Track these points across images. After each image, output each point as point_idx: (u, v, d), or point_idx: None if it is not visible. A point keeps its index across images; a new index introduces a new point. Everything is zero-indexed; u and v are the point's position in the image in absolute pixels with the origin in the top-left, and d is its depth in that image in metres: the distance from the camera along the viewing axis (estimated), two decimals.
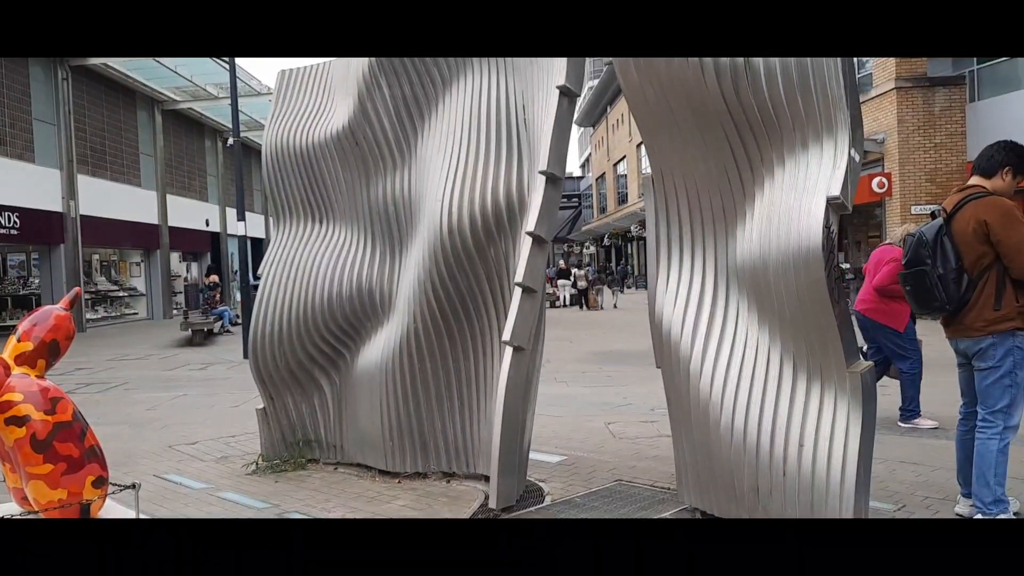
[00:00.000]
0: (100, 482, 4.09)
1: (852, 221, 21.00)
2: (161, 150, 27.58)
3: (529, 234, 4.77)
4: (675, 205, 4.47)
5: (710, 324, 4.27)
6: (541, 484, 5.39)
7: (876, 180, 18.83)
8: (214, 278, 21.11)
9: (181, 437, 7.27)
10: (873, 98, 19.26)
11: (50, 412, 3.96)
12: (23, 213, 19.72)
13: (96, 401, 9.58)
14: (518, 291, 4.76)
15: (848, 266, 19.67)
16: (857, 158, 3.87)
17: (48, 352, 4.16)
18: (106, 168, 24.40)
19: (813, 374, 3.88)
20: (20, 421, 3.89)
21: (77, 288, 4.48)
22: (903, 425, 6.89)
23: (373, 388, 5.63)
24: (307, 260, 6.03)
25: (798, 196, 3.74)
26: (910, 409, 6.93)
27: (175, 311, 26.65)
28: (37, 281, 21.72)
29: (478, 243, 5.14)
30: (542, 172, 4.75)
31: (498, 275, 5.22)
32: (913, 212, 18.23)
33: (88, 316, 22.76)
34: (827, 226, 3.60)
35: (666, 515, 4.61)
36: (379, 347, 5.65)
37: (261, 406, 6.17)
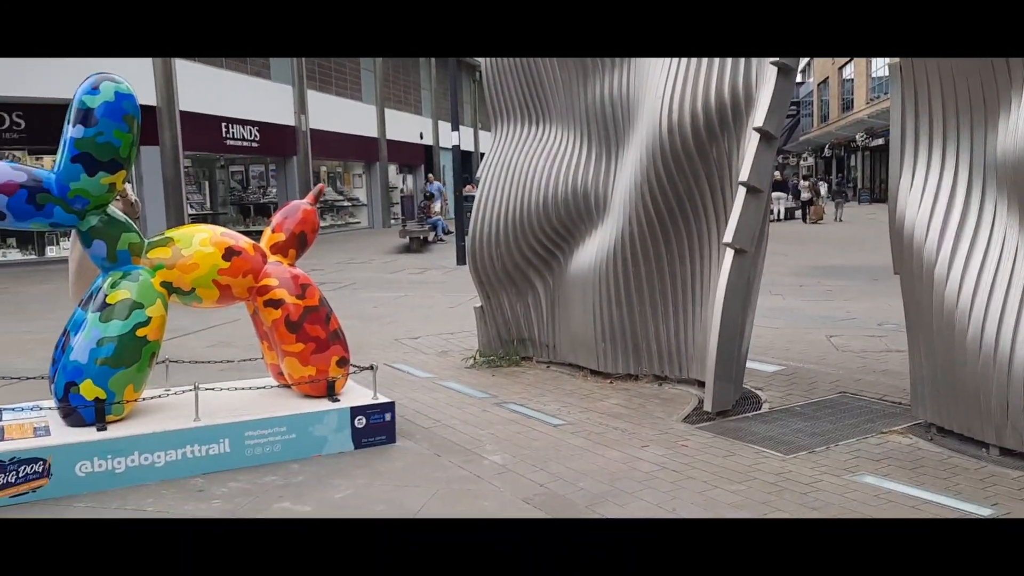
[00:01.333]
0: (343, 362, 4.48)
1: None
2: (380, 65, 28.79)
3: (757, 130, 4.53)
4: (926, 94, 4.05)
5: (961, 225, 3.89)
6: (758, 392, 5.26)
7: None
8: (431, 178, 22.42)
9: (405, 332, 7.77)
10: None
11: (300, 297, 4.36)
12: (262, 127, 21.47)
13: (330, 297, 10.33)
14: (742, 191, 4.57)
15: None
16: None
17: (297, 243, 4.55)
18: (331, 84, 25.90)
19: None
20: (276, 304, 4.31)
21: (321, 184, 4.84)
22: None
23: (586, 290, 5.68)
24: (524, 162, 6.11)
25: None
26: None
27: (392, 221, 28.21)
28: (274, 191, 23.71)
29: (699, 142, 4.95)
30: (773, 62, 4.46)
31: (719, 175, 5.03)
32: None
33: None
34: None
35: (897, 428, 4.35)
36: (593, 249, 5.67)
37: (479, 305, 6.42)
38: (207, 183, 21.18)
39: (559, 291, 6.07)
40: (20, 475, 3.49)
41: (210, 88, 19.03)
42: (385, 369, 6.09)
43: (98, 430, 3.75)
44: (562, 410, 4.94)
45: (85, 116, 3.77)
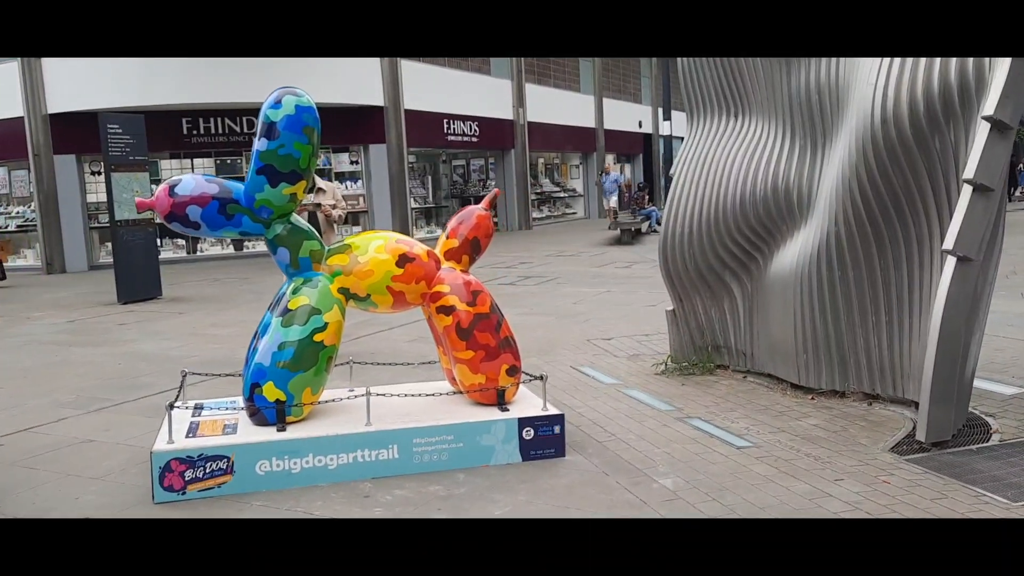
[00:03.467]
0: (513, 371, 4.38)
1: None
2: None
3: (987, 119, 3.87)
4: None
5: None
6: (988, 419, 4.54)
7: None
8: (607, 169, 21.97)
9: (599, 332, 7.59)
10: None
11: (471, 304, 4.31)
12: (481, 122, 22.13)
13: (532, 293, 10.47)
14: (967, 189, 3.93)
15: None
16: None
17: (471, 249, 4.51)
18: (549, 76, 26.17)
19: None
20: (448, 310, 4.30)
21: (496, 189, 4.76)
22: None
23: (787, 296, 5.20)
24: (720, 157, 5.70)
25: None
26: None
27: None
28: (493, 183, 24.38)
29: (918, 132, 4.33)
30: None
31: (943, 170, 4.37)
32: None
33: (534, 215, 25.04)
34: None
35: None
36: (795, 251, 5.17)
37: (671, 307, 6.11)
38: (430, 178, 22.17)
39: (758, 296, 5.61)
40: (207, 471, 3.72)
41: (433, 86, 19.85)
42: (568, 375, 5.96)
43: (278, 431, 3.93)
44: (751, 429, 4.54)
45: (268, 129, 3.95)
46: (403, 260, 4.22)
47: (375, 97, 18.27)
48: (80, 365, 6.91)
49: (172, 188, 3.95)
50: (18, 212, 17.28)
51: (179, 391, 4.33)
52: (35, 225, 16.46)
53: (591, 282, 11.33)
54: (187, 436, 3.89)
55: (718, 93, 5.84)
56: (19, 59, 15.99)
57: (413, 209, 19.90)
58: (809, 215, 5.16)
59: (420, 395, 4.30)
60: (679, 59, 6.04)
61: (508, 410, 4.23)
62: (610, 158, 30.68)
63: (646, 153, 33.49)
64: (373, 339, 7.40)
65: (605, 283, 11.18)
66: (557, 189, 27.85)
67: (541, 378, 4.31)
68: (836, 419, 4.66)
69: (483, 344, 4.26)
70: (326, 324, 4.04)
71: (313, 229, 4.27)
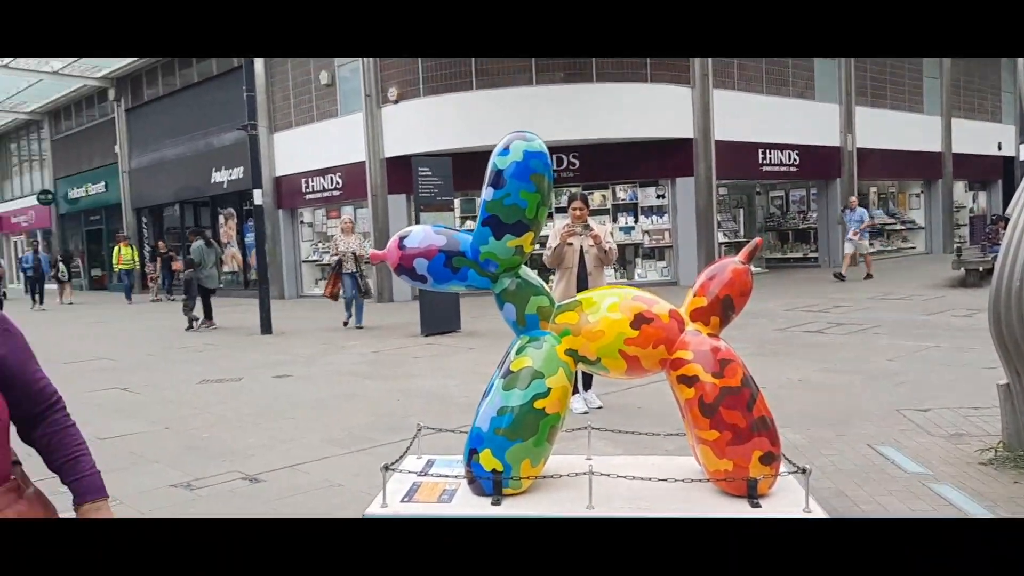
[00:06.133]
0: (768, 458, 3.65)
1: None
2: (948, 71, 25.49)
3: None
4: None
5: None
6: None
7: None
8: (852, 203, 18.42)
9: (913, 399, 6.37)
10: None
11: (718, 375, 3.67)
12: (802, 150, 20.59)
13: (839, 344, 9.24)
14: None
15: None
16: None
17: (722, 309, 3.86)
18: (885, 97, 23.72)
19: None
20: (690, 381, 3.69)
21: (758, 239, 4.05)
22: None
23: None
24: None
25: None
26: None
27: (956, 243, 24.64)
28: (815, 215, 22.57)
29: None
30: None
31: None
32: None
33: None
34: None
35: None
36: None
37: (1004, 381, 4.87)
38: (742, 210, 21.08)
39: None
40: None
41: (747, 115, 18.89)
42: (864, 454, 4.98)
43: (493, 503, 3.61)
44: None
45: (496, 178, 3.67)
46: (639, 321, 3.70)
47: (683, 129, 17.78)
48: (364, 399, 7.26)
49: (402, 240, 3.83)
50: (366, 245, 19.36)
51: (409, 447, 4.21)
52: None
53: (916, 333, 9.74)
54: (404, 499, 3.72)
55: None
56: (364, 109, 17.95)
57: (721, 244, 19.01)
58: None
59: (651, 479, 3.73)
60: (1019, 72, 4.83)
61: (760, 506, 3.50)
62: (960, 185, 27.03)
63: (1006, 179, 28.99)
64: (641, 391, 6.90)
65: (934, 335, 9.54)
66: (892, 221, 25.06)
67: (804, 471, 3.52)
68: None
69: (731, 424, 3.59)
70: (549, 390, 3.65)
71: (543, 284, 3.92)
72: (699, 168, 17.91)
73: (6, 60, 25.05)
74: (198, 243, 14.94)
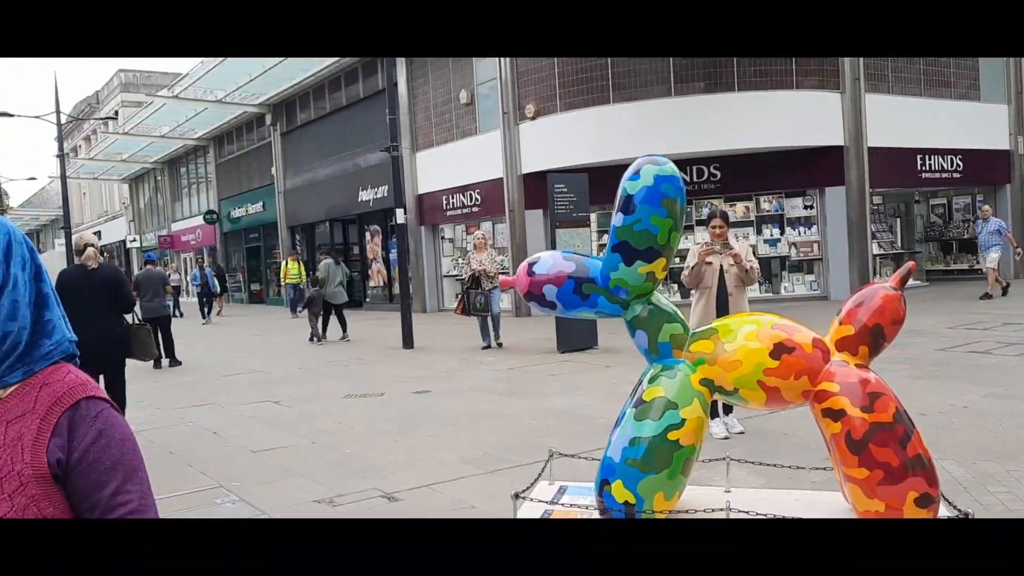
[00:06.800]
0: (926, 500, 3.37)
1: None
2: None
3: None
4: None
5: None
6: None
7: None
8: (986, 212, 16.41)
9: None
10: None
11: (867, 409, 3.43)
12: (965, 155, 19.20)
13: (1010, 367, 8.48)
14: None
15: None
16: None
17: (871, 338, 3.61)
18: None
19: None
20: (836, 415, 3.48)
21: (910, 263, 3.75)
22: None
23: None
24: None
25: None
26: None
27: None
28: (981, 222, 20.93)
29: None
30: None
31: None
32: None
33: None
34: None
35: None
36: None
37: None
38: (898, 220, 19.85)
39: None
40: None
41: (902, 119, 17.80)
42: None
43: None
44: None
45: (626, 203, 3.59)
46: (779, 350, 3.51)
47: (833, 136, 16.96)
48: (500, 417, 7.31)
49: (531, 266, 3.81)
50: (499, 260, 19.61)
51: (540, 473, 4.17)
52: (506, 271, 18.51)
53: None
54: None
55: None
56: (502, 127, 18.22)
57: (877, 255, 17.96)
58: None
59: (795, 518, 3.52)
60: None
61: None
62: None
63: None
64: (788, 416, 6.56)
65: None
66: None
67: (966, 516, 3.23)
68: None
69: (882, 462, 3.34)
70: (683, 421, 3.52)
71: (676, 311, 3.80)
72: (850, 176, 17.03)
73: (177, 90, 27.20)
74: (326, 261, 15.94)
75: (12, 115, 27.01)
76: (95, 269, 6.81)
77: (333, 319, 15.53)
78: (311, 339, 15.39)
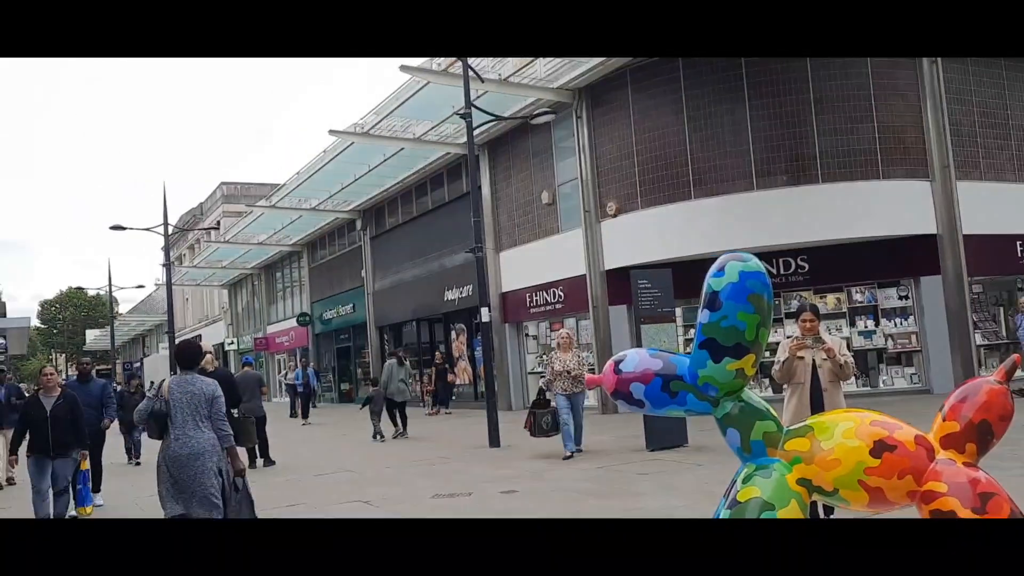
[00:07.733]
0: None
1: None
2: None
3: None
4: None
5: None
6: None
7: None
8: None
9: None
10: None
11: (979, 511, 3.28)
12: None
13: None
14: None
15: None
16: None
17: (978, 435, 3.47)
18: None
19: None
20: (944, 516, 3.32)
21: (1016, 356, 3.60)
22: None
23: None
24: None
25: None
26: None
27: None
28: None
29: None
30: None
31: None
32: None
33: None
34: None
35: None
36: None
37: None
38: (1001, 308, 18.97)
39: None
40: None
41: (998, 205, 17.25)
42: None
43: None
44: None
45: (711, 300, 3.60)
46: (880, 448, 3.40)
47: (925, 225, 16.54)
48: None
49: (617, 364, 3.83)
50: (583, 357, 19.51)
51: None
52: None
53: None
54: None
55: None
56: (583, 224, 18.45)
57: (980, 346, 17.14)
58: None
59: None
60: None
61: None
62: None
63: None
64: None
65: None
66: None
67: None
68: None
69: None
70: None
71: (768, 408, 3.72)
72: (946, 265, 16.49)
73: (274, 200, 28.66)
74: (390, 362, 16.78)
75: (125, 228, 28.76)
76: (212, 372, 7.99)
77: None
78: (373, 437, 15.82)
